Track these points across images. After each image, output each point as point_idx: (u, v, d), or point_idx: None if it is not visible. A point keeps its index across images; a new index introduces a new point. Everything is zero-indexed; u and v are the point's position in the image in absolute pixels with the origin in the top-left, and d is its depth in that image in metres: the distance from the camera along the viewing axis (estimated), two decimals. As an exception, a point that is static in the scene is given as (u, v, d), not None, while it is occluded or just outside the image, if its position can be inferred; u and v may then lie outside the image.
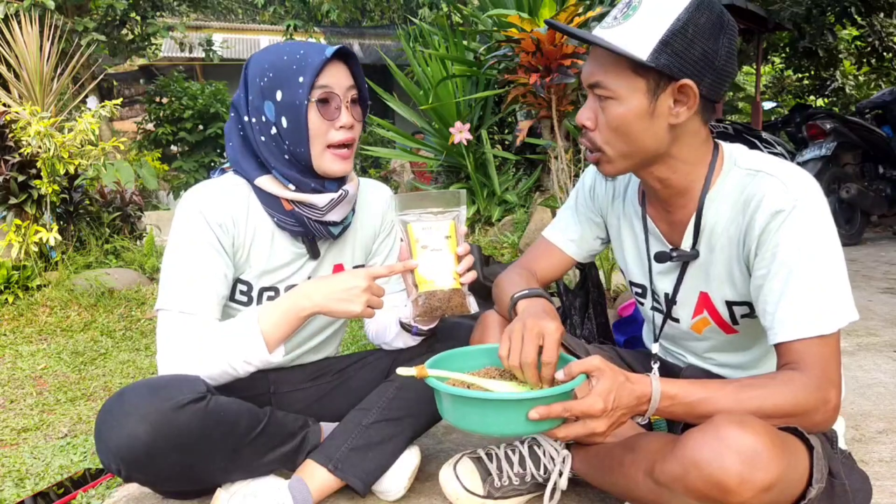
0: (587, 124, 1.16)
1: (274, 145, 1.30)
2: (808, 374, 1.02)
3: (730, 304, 1.23)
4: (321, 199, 1.32)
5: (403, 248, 1.29)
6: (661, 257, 1.26)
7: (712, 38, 1.07)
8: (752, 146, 4.40)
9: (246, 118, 1.32)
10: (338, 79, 1.29)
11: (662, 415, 1.04)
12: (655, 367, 1.37)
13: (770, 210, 1.08)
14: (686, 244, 1.24)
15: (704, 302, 1.26)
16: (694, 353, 1.38)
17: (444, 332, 1.45)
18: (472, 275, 1.26)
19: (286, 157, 1.31)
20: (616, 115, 1.11)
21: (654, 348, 1.39)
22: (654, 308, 1.38)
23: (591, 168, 1.47)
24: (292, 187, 1.32)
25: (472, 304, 1.29)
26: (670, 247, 1.27)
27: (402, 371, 1.09)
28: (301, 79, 1.25)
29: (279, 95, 1.27)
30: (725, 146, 1.21)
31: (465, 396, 1.04)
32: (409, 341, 1.46)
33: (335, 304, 1.24)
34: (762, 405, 1.01)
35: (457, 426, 1.09)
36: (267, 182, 1.32)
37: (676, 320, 1.32)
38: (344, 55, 1.31)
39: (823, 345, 1.04)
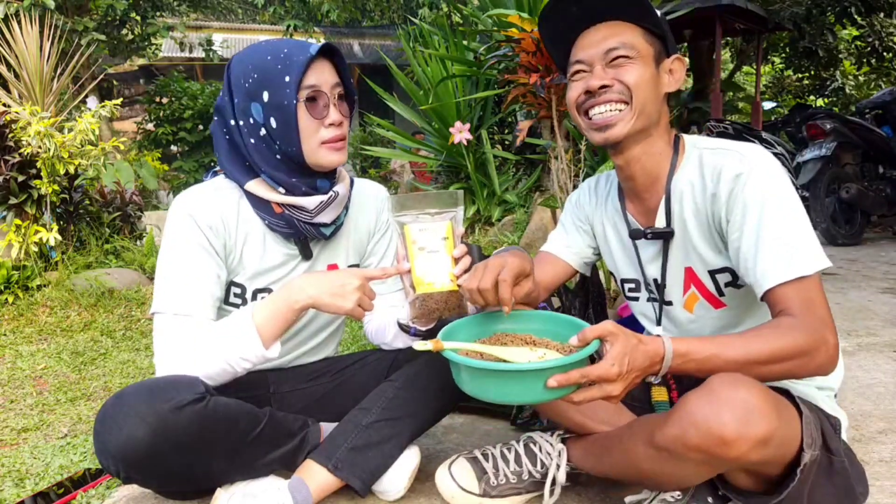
0: (606, 82, 1.20)
1: (264, 146, 1.30)
2: (801, 317, 1.07)
3: (712, 274, 1.27)
4: (311, 202, 1.32)
5: (400, 250, 1.28)
6: (635, 234, 1.33)
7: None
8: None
9: (232, 122, 1.31)
10: (324, 76, 1.29)
11: (675, 372, 1.07)
12: (665, 334, 1.39)
13: (731, 176, 1.17)
14: (660, 225, 1.30)
15: (691, 277, 1.30)
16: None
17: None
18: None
19: (277, 157, 1.30)
20: (638, 73, 1.20)
21: (659, 331, 1.41)
22: (650, 299, 1.40)
23: (579, 188, 1.54)
24: (282, 191, 1.32)
25: (470, 306, 1.28)
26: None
27: (418, 346, 1.07)
28: (287, 78, 1.24)
29: (266, 96, 1.26)
30: (685, 136, 1.31)
31: (484, 369, 1.03)
32: (408, 341, 1.46)
33: (328, 298, 1.24)
34: (771, 351, 1.05)
35: (475, 396, 1.09)
36: (257, 186, 1.32)
37: (670, 303, 1.36)
38: (328, 52, 1.31)
39: (807, 288, 1.09)
